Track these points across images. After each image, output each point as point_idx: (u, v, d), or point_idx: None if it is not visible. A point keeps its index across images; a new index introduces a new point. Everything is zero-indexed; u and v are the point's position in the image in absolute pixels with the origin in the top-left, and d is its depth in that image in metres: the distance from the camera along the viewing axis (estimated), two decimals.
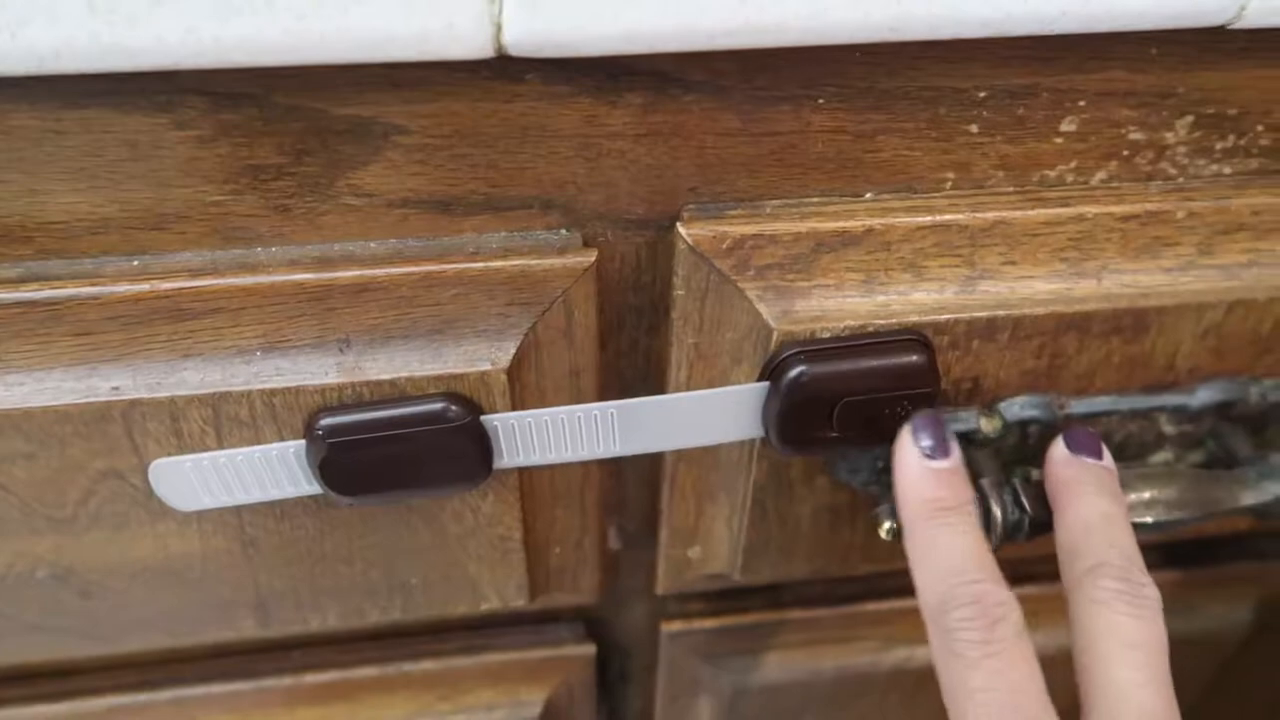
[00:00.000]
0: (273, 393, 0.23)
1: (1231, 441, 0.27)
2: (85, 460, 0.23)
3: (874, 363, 0.24)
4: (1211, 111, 0.24)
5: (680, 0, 0.18)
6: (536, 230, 0.24)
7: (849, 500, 0.28)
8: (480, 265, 0.23)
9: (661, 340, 0.26)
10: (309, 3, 0.18)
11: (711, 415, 0.25)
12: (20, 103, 0.20)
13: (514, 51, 0.19)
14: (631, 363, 0.27)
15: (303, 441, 0.23)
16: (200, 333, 0.23)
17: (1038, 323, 0.24)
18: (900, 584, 0.34)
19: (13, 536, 0.25)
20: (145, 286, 0.22)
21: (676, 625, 0.34)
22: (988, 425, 0.26)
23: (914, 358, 0.24)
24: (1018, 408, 0.26)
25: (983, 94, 0.23)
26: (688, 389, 0.26)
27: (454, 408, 0.23)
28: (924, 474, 0.23)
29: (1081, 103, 0.23)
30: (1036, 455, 0.26)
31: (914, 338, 0.24)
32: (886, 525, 0.26)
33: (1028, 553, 0.28)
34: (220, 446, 0.23)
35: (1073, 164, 0.24)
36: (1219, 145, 0.25)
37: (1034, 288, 0.24)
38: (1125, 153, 0.24)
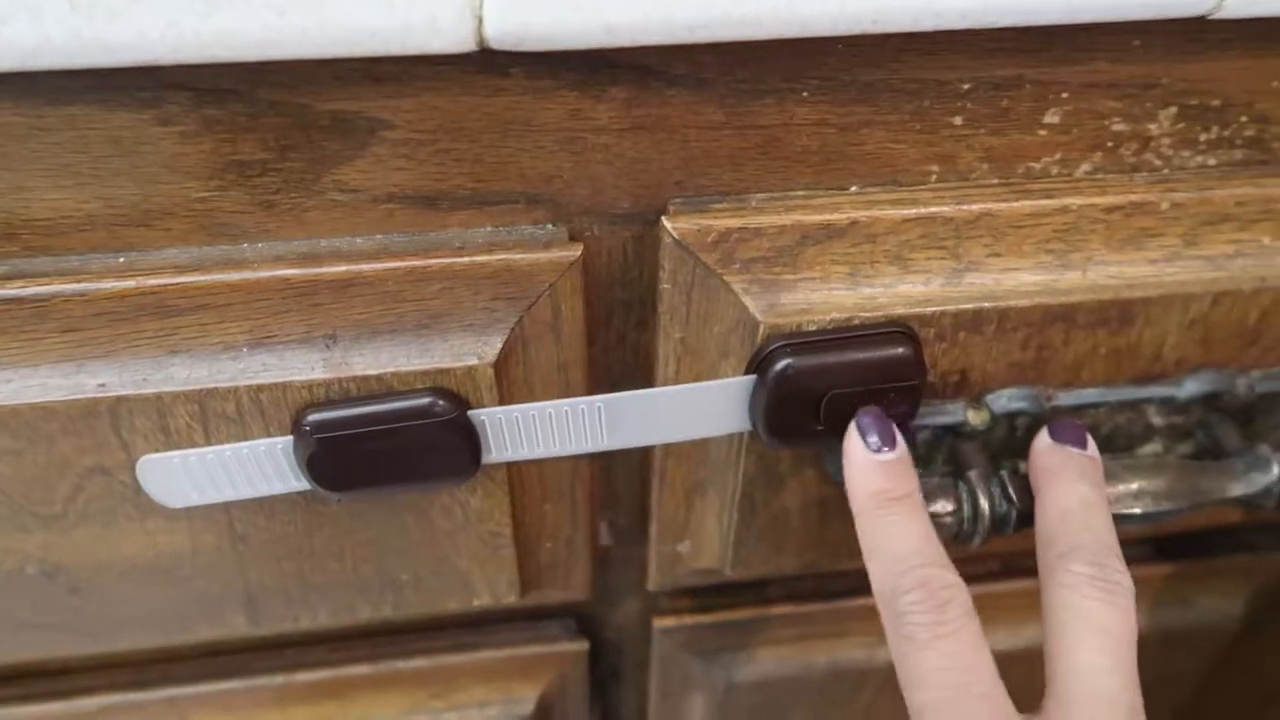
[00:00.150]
0: (260, 389, 0.23)
1: (1219, 433, 0.27)
2: (73, 457, 0.23)
3: (860, 355, 0.24)
4: (1195, 103, 0.24)
5: None
6: (522, 225, 0.24)
7: (838, 494, 0.28)
8: (466, 260, 0.23)
9: (649, 335, 0.26)
10: None
11: (699, 409, 0.25)
12: (3, 100, 0.20)
13: (496, 45, 0.19)
14: (620, 358, 0.27)
15: (290, 437, 0.23)
16: (186, 329, 0.23)
17: (1024, 314, 0.24)
18: None
19: (1, 534, 0.25)
20: (131, 283, 0.22)
21: (668, 621, 0.34)
22: (975, 418, 0.26)
23: (900, 350, 0.24)
24: (1005, 400, 0.26)
25: (966, 86, 0.23)
26: (676, 383, 0.26)
27: (441, 402, 0.23)
28: (870, 466, 0.23)
29: (1065, 94, 0.23)
30: (1024, 448, 0.26)
31: (900, 330, 0.24)
32: None
33: (1017, 546, 0.28)
34: (208, 443, 0.23)
35: (1057, 156, 0.25)
36: (1203, 136, 0.25)
37: (1020, 279, 0.24)
38: (1109, 144, 0.25)
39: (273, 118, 0.21)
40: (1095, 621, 0.21)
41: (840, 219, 0.23)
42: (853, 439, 0.24)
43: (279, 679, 0.32)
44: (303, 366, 0.23)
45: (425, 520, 0.27)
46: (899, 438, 0.23)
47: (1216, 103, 0.24)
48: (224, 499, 0.24)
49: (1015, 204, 0.24)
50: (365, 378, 0.23)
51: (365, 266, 0.22)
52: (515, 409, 0.24)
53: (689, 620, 0.34)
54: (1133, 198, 0.24)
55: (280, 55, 0.19)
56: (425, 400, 0.23)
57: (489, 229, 0.24)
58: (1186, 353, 0.26)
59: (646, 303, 0.26)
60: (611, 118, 0.22)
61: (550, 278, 0.23)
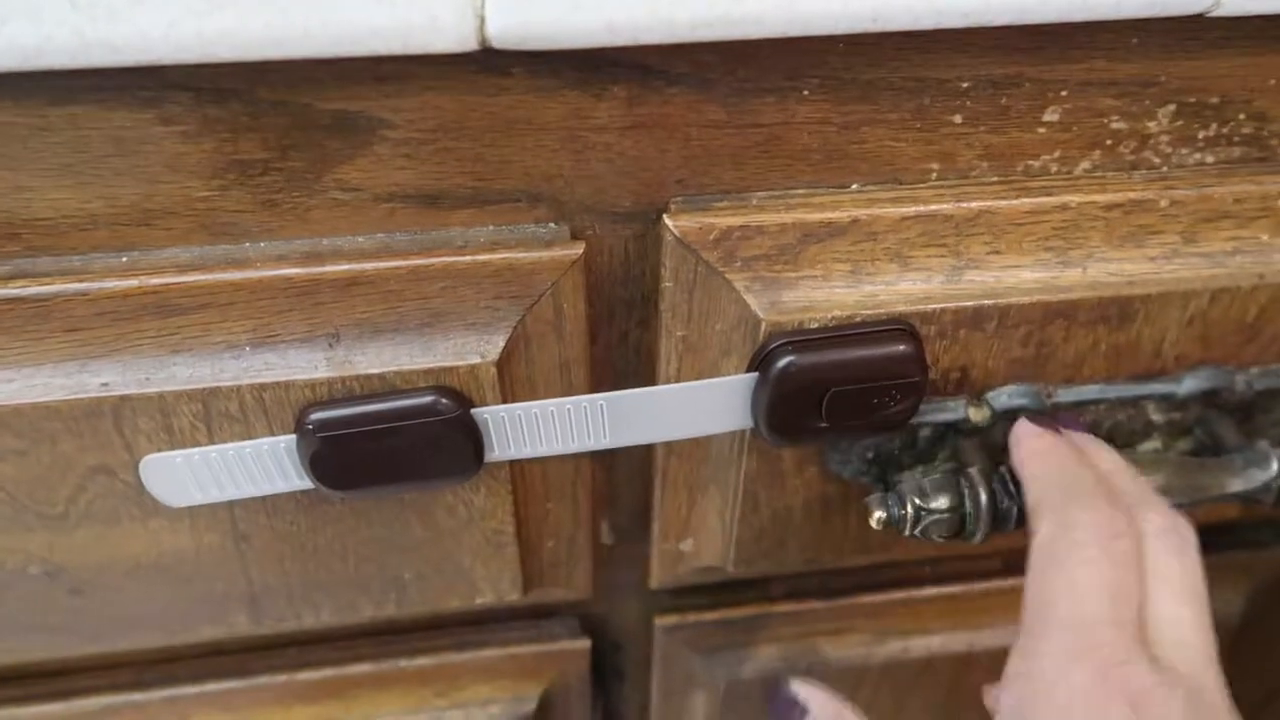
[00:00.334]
0: (262, 387, 0.23)
1: (1218, 429, 0.27)
2: (76, 457, 0.23)
3: (862, 352, 0.24)
4: (1193, 100, 0.24)
5: None
6: (524, 224, 0.24)
7: (840, 491, 0.28)
8: (468, 259, 0.23)
9: (651, 333, 0.26)
10: None
11: (701, 406, 0.25)
12: (5, 100, 0.20)
13: (498, 44, 0.19)
14: (622, 356, 0.27)
15: (293, 436, 0.23)
16: (189, 328, 0.23)
17: (1024, 311, 0.25)
18: (894, 575, 0.35)
19: (3, 534, 0.25)
20: (134, 282, 0.22)
21: (670, 619, 0.34)
22: (976, 415, 0.26)
23: (902, 347, 0.24)
24: (1006, 397, 0.26)
25: (966, 84, 0.23)
26: (678, 381, 0.26)
27: (444, 401, 0.23)
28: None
29: (1064, 92, 0.23)
30: None
31: (901, 327, 0.24)
32: (877, 515, 0.26)
33: (1018, 543, 0.28)
34: (211, 442, 0.23)
35: (1056, 154, 0.25)
36: (1201, 134, 0.25)
37: (1020, 277, 0.24)
38: (1108, 142, 0.25)
39: (274, 117, 0.21)
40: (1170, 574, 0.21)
41: (841, 217, 0.24)
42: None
43: (281, 678, 0.32)
44: (306, 365, 0.23)
45: (428, 518, 0.27)
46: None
47: (1215, 100, 0.24)
48: (227, 498, 0.24)
49: (1015, 201, 0.24)
50: (368, 376, 0.23)
51: (367, 265, 0.22)
52: (518, 407, 0.24)
53: (691, 618, 0.34)
54: (1132, 195, 0.24)
55: (282, 54, 0.19)
56: (428, 399, 0.23)
57: (491, 228, 0.24)
58: (1186, 349, 0.26)
59: (648, 301, 0.26)
60: (613, 116, 0.22)
61: (553, 276, 0.23)
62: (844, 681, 0.36)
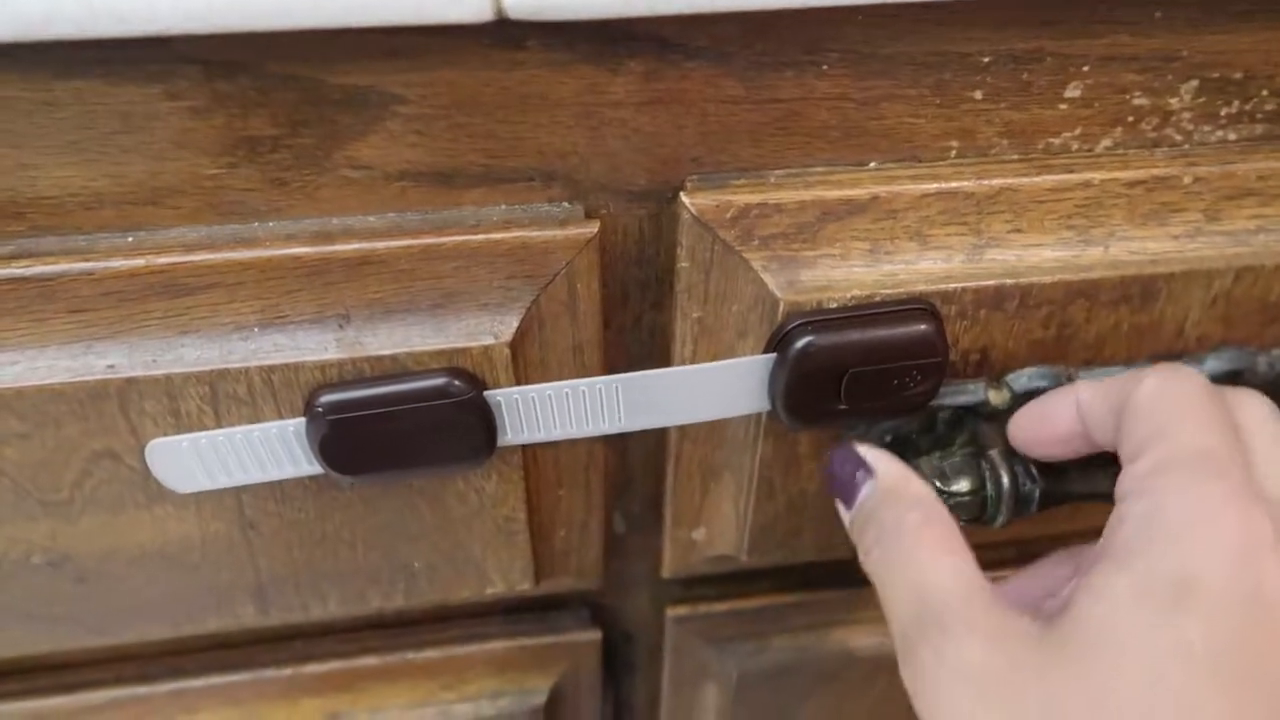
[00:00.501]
0: (271, 369, 0.22)
1: None
2: (80, 441, 0.23)
3: (882, 333, 0.23)
4: (1216, 75, 0.24)
5: None
6: (538, 203, 0.23)
7: None
8: (481, 237, 0.22)
9: (666, 315, 0.26)
10: None
11: (718, 388, 0.24)
12: (10, 74, 0.19)
13: (513, 14, 0.19)
14: (636, 338, 0.26)
15: (302, 419, 0.23)
16: (197, 309, 0.22)
17: (1045, 291, 0.24)
18: None
19: (6, 521, 0.24)
20: (140, 262, 0.22)
21: (682, 609, 0.33)
22: (996, 398, 0.26)
23: (922, 327, 0.23)
24: (1026, 379, 0.26)
25: (987, 59, 0.23)
26: (693, 364, 0.25)
27: (457, 383, 0.23)
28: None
29: (1086, 68, 0.23)
30: None
31: (922, 307, 0.24)
32: None
33: (1037, 531, 0.28)
34: (218, 425, 0.23)
35: (1077, 130, 0.24)
36: (1224, 110, 0.25)
37: (1041, 255, 0.24)
38: (1130, 119, 0.24)
39: (284, 92, 0.21)
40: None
41: (861, 194, 0.23)
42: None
43: (287, 671, 0.32)
44: (315, 346, 0.22)
45: (439, 506, 0.26)
46: None
47: (1238, 76, 0.24)
48: (234, 483, 0.24)
49: (1036, 179, 0.24)
50: (379, 358, 0.22)
51: (378, 244, 0.22)
52: (532, 389, 0.24)
53: (702, 608, 0.34)
54: (1155, 172, 0.24)
55: (292, 24, 0.18)
56: (440, 380, 0.23)
57: (503, 207, 0.23)
58: (1208, 330, 0.26)
59: (663, 282, 0.25)
60: (629, 91, 0.22)
61: (567, 256, 0.23)
62: (859, 672, 0.35)
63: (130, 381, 0.22)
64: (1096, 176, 0.24)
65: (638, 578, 0.33)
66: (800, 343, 0.23)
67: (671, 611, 0.33)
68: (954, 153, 0.24)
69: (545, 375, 0.25)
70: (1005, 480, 0.25)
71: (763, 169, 0.24)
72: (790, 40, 0.22)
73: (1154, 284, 0.24)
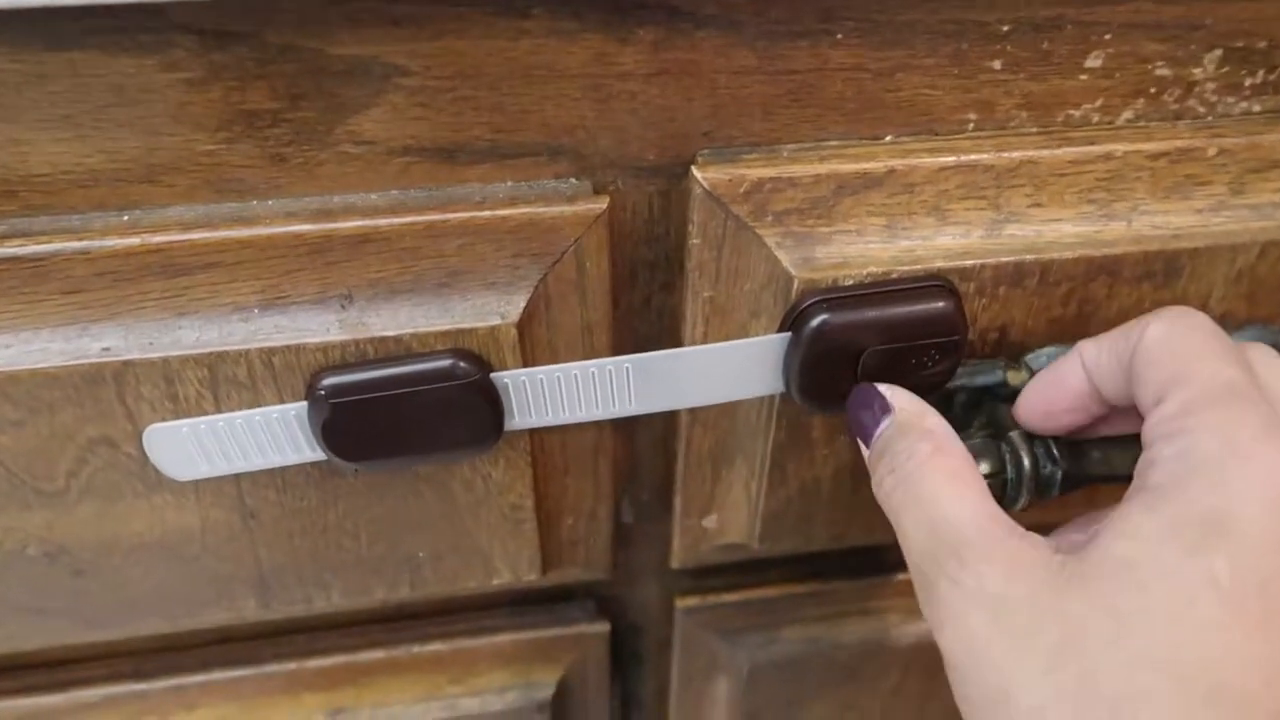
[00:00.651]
0: (272, 351, 0.22)
1: None
2: (76, 427, 0.22)
3: (899, 311, 0.23)
4: (1240, 45, 0.23)
5: None
6: (545, 179, 0.23)
7: None
8: (487, 214, 0.22)
9: (676, 296, 0.25)
10: None
11: (731, 369, 0.24)
12: (0, 45, 0.19)
13: None
14: (645, 320, 0.26)
15: (304, 403, 0.22)
16: (195, 289, 0.22)
17: (1066, 267, 0.24)
18: None
19: (0, 512, 0.23)
20: (135, 241, 0.21)
21: (692, 600, 0.33)
22: (1014, 378, 0.25)
23: (941, 304, 0.23)
24: (1045, 359, 0.25)
25: (1006, 28, 0.22)
26: (705, 345, 0.25)
27: (463, 364, 0.22)
28: None
29: (1107, 36, 0.22)
30: None
31: (940, 284, 0.23)
32: None
33: (1053, 519, 0.27)
34: (218, 410, 0.22)
35: (1098, 102, 0.24)
36: (1248, 81, 0.24)
37: (1062, 230, 0.24)
38: (1152, 89, 0.24)
39: (283, 64, 0.20)
40: None
41: (877, 167, 0.22)
42: None
43: (290, 665, 0.31)
44: (317, 328, 0.22)
45: (445, 493, 0.26)
46: None
47: (1262, 45, 0.23)
48: (234, 470, 0.23)
49: (1058, 151, 0.23)
50: (383, 339, 0.22)
51: (382, 222, 0.21)
52: (540, 371, 0.23)
53: (712, 599, 0.33)
54: (1179, 143, 0.23)
55: None
56: (446, 362, 0.22)
57: (509, 184, 0.23)
58: (1232, 306, 0.25)
59: (672, 262, 0.25)
60: (638, 62, 0.21)
61: (576, 233, 0.22)
62: (873, 664, 0.35)
63: (127, 365, 0.21)
64: (1118, 149, 0.23)
65: (646, 568, 0.33)
66: (815, 321, 0.22)
67: (681, 602, 0.33)
68: (972, 125, 0.23)
69: (553, 357, 0.24)
70: (1026, 462, 0.24)
71: (775, 143, 0.23)
72: (803, 8, 0.21)
73: (1177, 259, 0.24)
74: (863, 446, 0.23)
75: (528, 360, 0.23)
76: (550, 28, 0.20)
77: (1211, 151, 0.24)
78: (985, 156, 0.23)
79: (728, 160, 0.23)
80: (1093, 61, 0.23)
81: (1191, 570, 0.17)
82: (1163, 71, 0.23)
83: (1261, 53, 0.24)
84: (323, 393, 0.22)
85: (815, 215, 0.23)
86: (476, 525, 0.27)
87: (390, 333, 0.22)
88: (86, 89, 0.20)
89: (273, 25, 0.19)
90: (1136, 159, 0.23)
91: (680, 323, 0.25)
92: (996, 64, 0.23)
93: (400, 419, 0.22)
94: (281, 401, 0.22)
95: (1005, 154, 0.23)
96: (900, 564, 0.34)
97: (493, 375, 0.23)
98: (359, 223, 0.21)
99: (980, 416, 0.26)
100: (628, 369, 0.23)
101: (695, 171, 0.22)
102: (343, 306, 0.22)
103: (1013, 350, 0.25)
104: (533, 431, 0.25)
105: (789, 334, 0.23)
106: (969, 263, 0.23)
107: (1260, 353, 0.21)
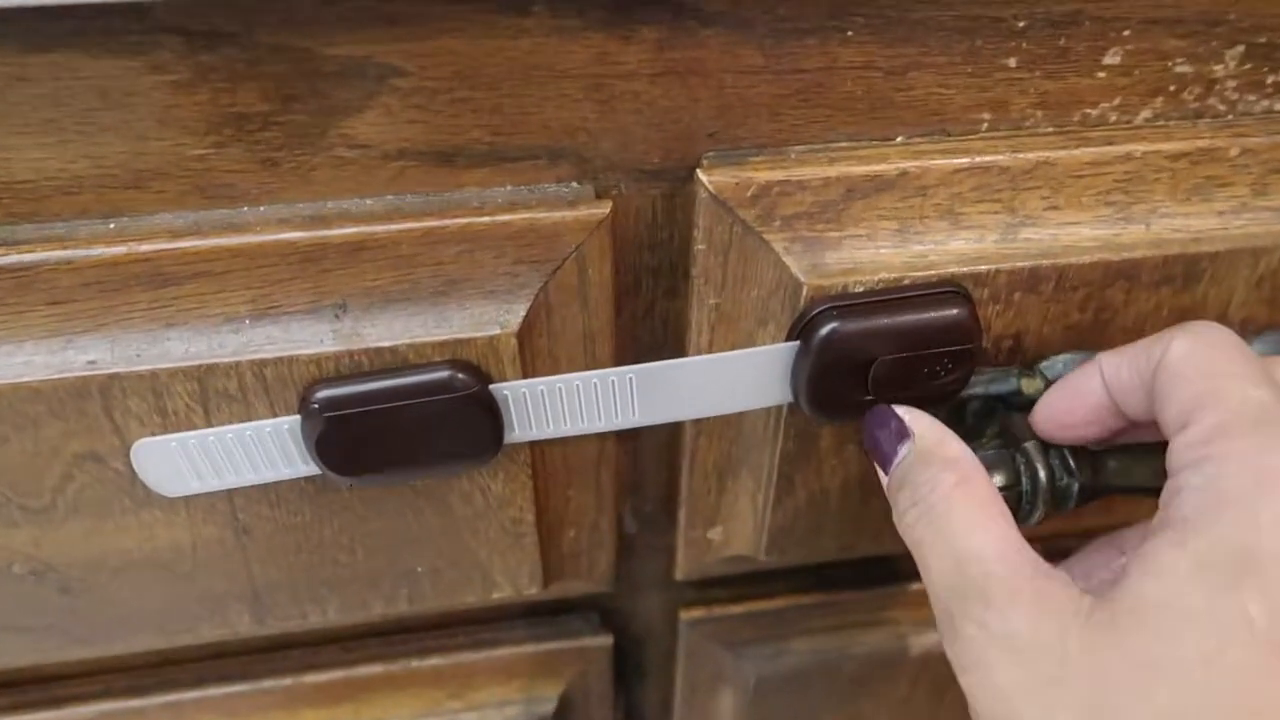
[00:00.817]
0: (264, 363, 0.21)
1: None
2: (61, 443, 0.21)
3: (912, 318, 0.22)
4: (1263, 41, 0.23)
5: None
6: (545, 183, 0.22)
7: None
8: (486, 219, 0.21)
9: (680, 303, 0.25)
10: None
11: (737, 379, 0.23)
12: None
13: None
14: (648, 328, 0.25)
15: (297, 417, 0.22)
16: (183, 299, 0.21)
17: (1083, 272, 0.23)
18: None
19: None
20: (122, 249, 0.20)
21: (696, 612, 0.32)
22: (1029, 387, 0.24)
23: (955, 312, 0.22)
24: (1061, 366, 0.24)
25: (1022, 23, 0.21)
26: (710, 354, 0.24)
27: (461, 376, 0.21)
28: None
29: (1126, 32, 0.22)
30: None
31: (953, 290, 0.22)
32: None
33: (1071, 526, 0.26)
34: (208, 424, 0.22)
35: (1116, 101, 0.23)
36: (1270, 79, 0.23)
37: (1079, 234, 0.23)
38: (1171, 88, 0.23)
39: (273, 65, 0.19)
40: None
41: (889, 170, 0.22)
42: None
43: (287, 681, 0.31)
44: (310, 339, 0.21)
45: (443, 507, 0.25)
46: None
47: None
48: (226, 486, 0.23)
49: (1075, 152, 0.22)
50: (378, 350, 0.21)
51: (377, 228, 0.21)
52: (540, 382, 0.22)
53: (717, 611, 0.32)
54: (1200, 143, 0.23)
55: None
56: (443, 374, 0.21)
57: (508, 188, 0.22)
58: (1253, 312, 0.24)
59: (676, 269, 0.24)
60: (641, 61, 0.20)
61: (577, 238, 0.21)
62: (879, 676, 0.34)
63: (113, 378, 0.21)
64: (1138, 149, 0.23)
65: (650, 580, 0.32)
66: (825, 329, 0.22)
67: (685, 614, 0.32)
68: (986, 125, 0.23)
69: (554, 367, 0.23)
70: (1042, 474, 0.23)
71: (783, 144, 0.22)
72: (813, 4, 0.20)
73: (1197, 264, 0.23)
74: (881, 473, 0.22)
75: (528, 371, 0.22)
76: (551, 26, 0.20)
77: (1233, 152, 0.23)
78: (1000, 158, 0.22)
79: (734, 163, 0.22)
80: (1111, 58, 0.22)
81: (1224, 611, 0.16)
82: (1183, 69, 0.23)
83: None
84: (316, 406, 0.21)
85: (825, 219, 0.22)
86: (476, 539, 0.26)
87: (386, 343, 0.21)
88: (70, 92, 0.19)
89: (263, 25, 0.19)
90: (1156, 160, 0.23)
91: (685, 331, 0.25)
92: (1012, 61, 0.22)
93: (396, 433, 0.22)
94: (274, 415, 0.22)
95: (1020, 155, 0.22)
96: (910, 574, 0.33)
97: (492, 387, 0.22)
98: (353, 229, 0.21)
99: (993, 425, 0.25)
100: (631, 379, 0.23)
101: (700, 174, 0.22)
102: (337, 316, 0.21)
103: (1027, 358, 0.25)
104: (533, 443, 0.24)
105: (797, 342, 0.22)
106: (983, 268, 0.22)
107: None
